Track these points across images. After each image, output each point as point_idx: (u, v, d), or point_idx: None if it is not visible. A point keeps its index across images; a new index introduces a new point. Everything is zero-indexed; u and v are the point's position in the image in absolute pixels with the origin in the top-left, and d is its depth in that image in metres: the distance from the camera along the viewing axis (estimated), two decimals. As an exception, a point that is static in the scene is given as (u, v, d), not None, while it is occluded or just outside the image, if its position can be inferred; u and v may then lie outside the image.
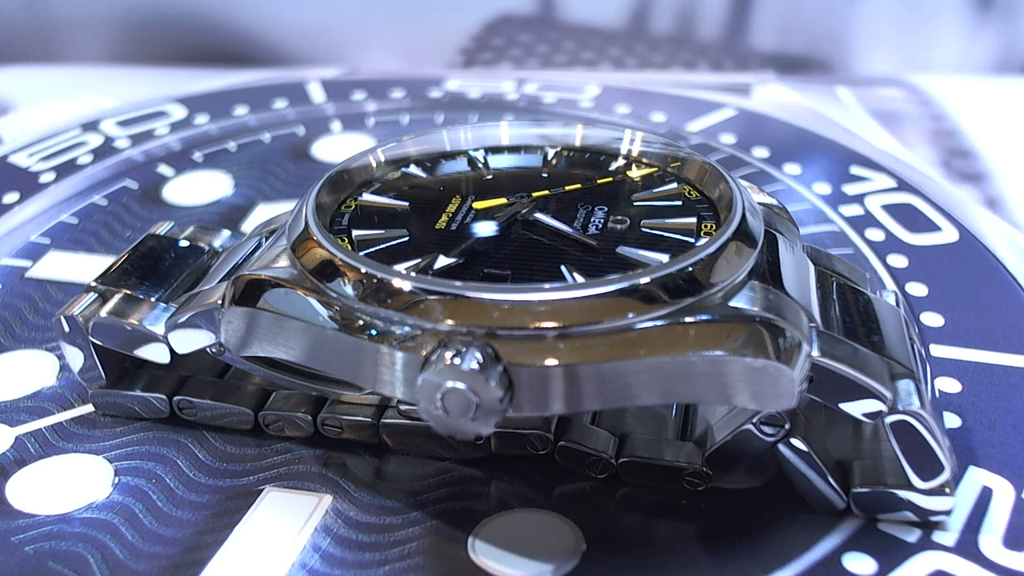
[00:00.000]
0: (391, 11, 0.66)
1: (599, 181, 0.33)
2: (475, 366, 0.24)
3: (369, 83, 0.59)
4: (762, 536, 0.28)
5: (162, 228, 0.36)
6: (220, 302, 0.29)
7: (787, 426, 0.27)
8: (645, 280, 0.25)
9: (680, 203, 0.31)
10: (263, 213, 0.46)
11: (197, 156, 0.51)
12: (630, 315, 0.25)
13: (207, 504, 0.29)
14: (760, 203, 0.31)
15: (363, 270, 0.26)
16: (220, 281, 0.31)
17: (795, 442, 0.28)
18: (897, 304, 0.31)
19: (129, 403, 0.33)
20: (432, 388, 0.24)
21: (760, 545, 0.27)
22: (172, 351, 0.31)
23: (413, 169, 0.35)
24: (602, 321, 0.25)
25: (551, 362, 0.24)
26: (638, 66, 0.67)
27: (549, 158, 0.35)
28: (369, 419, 0.31)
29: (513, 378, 0.24)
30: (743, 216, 0.28)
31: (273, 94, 0.57)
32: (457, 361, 0.24)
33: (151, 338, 0.30)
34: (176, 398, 0.33)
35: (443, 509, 0.29)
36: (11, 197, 0.47)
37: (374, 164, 0.34)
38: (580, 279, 0.27)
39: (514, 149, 0.36)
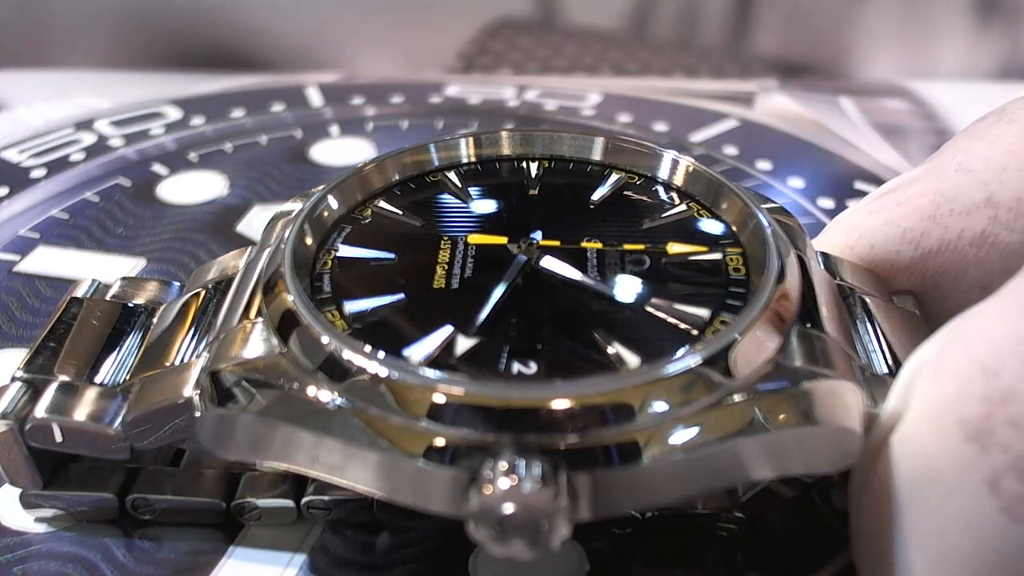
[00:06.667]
0: (389, 15, 0.66)
1: (596, 200, 0.30)
2: (537, 483, 0.21)
3: (368, 88, 0.58)
4: (778, 550, 0.27)
5: (82, 289, 0.30)
6: (195, 396, 0.25)
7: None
8: (709, 354, 0.23)
9: (694, 228, 0.29)
10: (259, 214, 0.45)
11: (192, 156, 0.50)
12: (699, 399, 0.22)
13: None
14: (772, 216, 0.28)
15: (382, 374, 0.23)
16: (179, 352, 0.26)
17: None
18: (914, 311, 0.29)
19: (70, 504, 0.28)
20: (491, 512, 0.21)
21: (774, 558, 0.27)
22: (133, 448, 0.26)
23: (383, 204, 0.30)
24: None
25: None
26: (639, 71, 0.67)
27: (532, 173, 0.32)
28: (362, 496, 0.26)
29: (578, 488, 0.22)
30: (780, 265, 0.26)
31: (270, 97, 0.57)
32: (516, 480, 0.21)
33: (107, 439, 0.26)
34: (130, 496, 0.28)
35: (445, 527, 0.28)
36: (0, 191, 0.46)
37: (335, 204, 0.29)
38: (619, 348, 0.24)
39: (489, 162, 0.32)
